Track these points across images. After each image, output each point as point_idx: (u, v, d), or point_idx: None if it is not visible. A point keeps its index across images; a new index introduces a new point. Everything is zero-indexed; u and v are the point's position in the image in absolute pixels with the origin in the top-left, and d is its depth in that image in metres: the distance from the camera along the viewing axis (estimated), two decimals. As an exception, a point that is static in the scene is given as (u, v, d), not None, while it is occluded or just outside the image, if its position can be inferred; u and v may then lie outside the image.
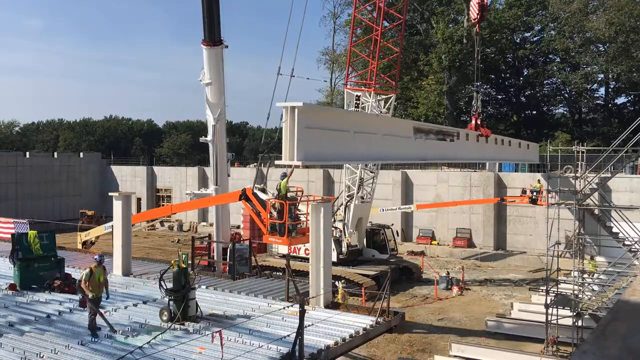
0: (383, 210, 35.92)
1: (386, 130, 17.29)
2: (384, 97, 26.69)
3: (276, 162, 16.02)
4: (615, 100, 58.78)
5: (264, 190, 20.15)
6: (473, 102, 27.32)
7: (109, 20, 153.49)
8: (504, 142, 29.50)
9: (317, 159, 14.99)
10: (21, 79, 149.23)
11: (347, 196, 28.12)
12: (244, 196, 19.18)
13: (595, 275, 21.19)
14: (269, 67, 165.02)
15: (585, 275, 19.12)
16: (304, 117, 12.51)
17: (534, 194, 32.48)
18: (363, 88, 26.32)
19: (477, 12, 26.29)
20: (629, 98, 57.13)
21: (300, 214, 18.19)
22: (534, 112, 59.62)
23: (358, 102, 25.96)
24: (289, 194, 17.32)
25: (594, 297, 18.72)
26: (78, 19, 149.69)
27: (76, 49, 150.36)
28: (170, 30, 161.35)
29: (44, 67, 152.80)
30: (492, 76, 59.46)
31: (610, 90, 58.16)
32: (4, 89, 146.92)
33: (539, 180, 33.84)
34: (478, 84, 28.24)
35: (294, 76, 24.99)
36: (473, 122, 26.06)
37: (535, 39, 57.03)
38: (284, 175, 17.80)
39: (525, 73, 57.87)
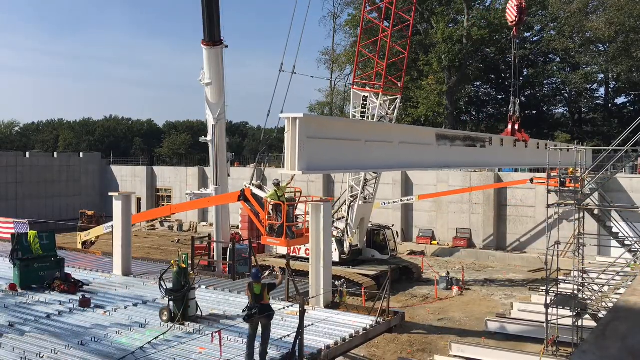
0: (384, 203, 35.94)
1: (403, 138, 16.93)
2: (390, 97, 26.64)
3: (280, 172, 15.74)
4: (615, 100, 58.79)
5: (260, 187, 20.13)
6: (510, 107, 26.83)
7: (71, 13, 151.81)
8: (547, 146, 28.84)
9: (322, 168, 14.52)
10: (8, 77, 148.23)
11: (351, 196, 28.14)
12: (242, 197, 19.19)
13: (595, 275, 21.18)
14: (261, 65, 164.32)
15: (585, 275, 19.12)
16: (305, 128, 12.32)
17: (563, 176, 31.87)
18: (370, 89, 26.25)
19: (516, 14, 25.73)
20: (629, 98, 57.10)
21: (299, 215, 18.16)
22: (534, 112, 59.57)
23: (365, 102, 25.87)
24: (287, 196, 17.29)
25: (594, 297, 18.70)
26: (38, 12, 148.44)
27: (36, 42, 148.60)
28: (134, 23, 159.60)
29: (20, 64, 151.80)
30: (492, 76, 59.45)
31: (610, 90, 58.14)
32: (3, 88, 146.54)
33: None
34: (515, 88, 26.97)
35: (295, 73, 25.06)
36: (509, 127, 25.77)
37: (535, 39, 56.99)
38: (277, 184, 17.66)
39: (525, 73, 57.84)
